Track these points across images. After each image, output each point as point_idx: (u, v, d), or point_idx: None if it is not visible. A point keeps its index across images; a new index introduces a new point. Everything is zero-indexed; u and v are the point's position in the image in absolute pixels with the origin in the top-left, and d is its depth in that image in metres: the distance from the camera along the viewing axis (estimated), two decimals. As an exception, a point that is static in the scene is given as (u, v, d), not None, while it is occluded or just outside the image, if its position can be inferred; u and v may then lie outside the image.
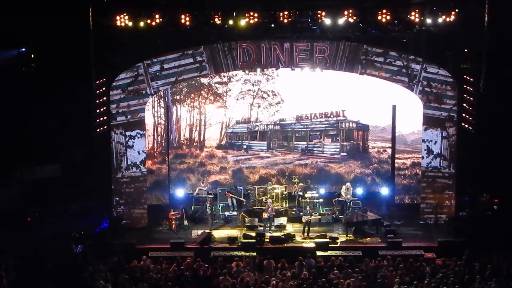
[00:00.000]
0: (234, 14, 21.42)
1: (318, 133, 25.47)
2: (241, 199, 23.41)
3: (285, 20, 21.59)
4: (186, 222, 22.47)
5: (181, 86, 25.06)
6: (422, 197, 22.78)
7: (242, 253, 19.87)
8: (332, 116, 25.07)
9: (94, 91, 22.13)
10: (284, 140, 25.60)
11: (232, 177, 25.35)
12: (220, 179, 25.27)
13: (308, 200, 22.82)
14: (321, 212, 22.82)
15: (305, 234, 21.26)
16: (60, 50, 21.50)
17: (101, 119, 22.45)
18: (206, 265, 18.10)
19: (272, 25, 21.90)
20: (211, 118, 25.44)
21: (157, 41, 22.10)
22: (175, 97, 25.25)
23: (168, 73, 22.58)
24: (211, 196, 23.07)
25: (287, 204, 23.29)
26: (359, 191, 23.86)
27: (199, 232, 21.29)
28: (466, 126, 22.17)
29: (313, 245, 20.43)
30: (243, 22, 21.49)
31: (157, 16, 21.35)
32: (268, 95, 25.15)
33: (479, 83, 21.56)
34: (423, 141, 22.66)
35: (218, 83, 25.16)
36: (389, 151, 24.53)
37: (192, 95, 25.31)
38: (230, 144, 25.69)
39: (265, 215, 21.54)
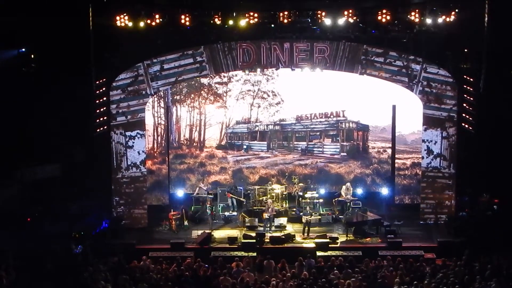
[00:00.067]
0: (234, 14, 21.42)
1: (318, 133, 25.47)
2: (241, 199, 23.42)
3: (285, 20, 21.58)
4: (186, 222, 22.48)
5: (181, 86, 25.06)
6: (422, 197, 22.78)
7: (242, 253, 19.86)
8: (332, 116, 25.07)
9: (94, 91, 22.14)
10: (284, 140, 25.60)
11: (232, 177, 25.35)
12: (220, 179, 25.27)
13: (308, 200, 22.82)
14: (321, 212, 22.82)
15: (305, 234, 21.26)
16: (60, 50, 21.48)
17: (101, 119, 22.46)
18: (206, 265, 18.10)
19: (272, 25, 21.91)
20: (211, 118, 25.44)
21: (157, 41, 22.11)
22: (175, 97, 25.25)
23: (168, 73, 22.59)
24: (211, 196, 23.08)
25: (287, 204, 23.28)
26: (359, 191, 23.89)
27: (199, 232, 21.29)
28: (466, 126, 22.17)
29: (313, 245, 20.42)
30: (243, 22, 21.48)
31: (157, 16, 21.35)
32: (268, 95, 25.15)
33: (479, 83, 21.56)
34: (423, 141, 22.66)
35: (218, 83, 25.16)
36: (389, 151, 24.53)
37: (192, 95, 25.31)
38: (230, 144, 25.69)
39: (265, 215, 21.54)
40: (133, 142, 22.70)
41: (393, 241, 20.42)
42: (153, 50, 22.37)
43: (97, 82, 22.19)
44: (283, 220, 22.13)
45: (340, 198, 23.13)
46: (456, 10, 20.95)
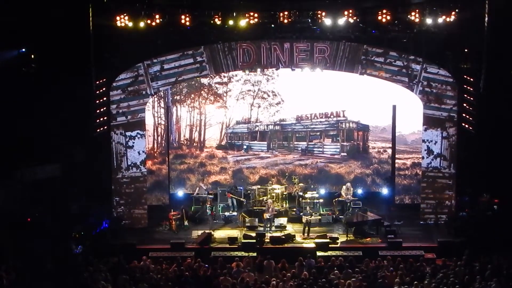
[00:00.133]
0: (234, 14, 21.42)
1: (318, 133, 25.48)
2: (241, 199, 23.41)
3: (285, 20, 21.58)
4: (186, 223, 22.47)
5: (181, 87, 25.07)
6: (422, 197, 22.78)
7: (242, 253, 19.85)
8: (332, 116, 25.07)
9: (94, 91, 22.14)
10: (284, 141, 25.61)
11: (232, 178, 25.36)
12: (220, 180, 25.28)
13: (308, 200, 22.81)
14: (321, 212, 22.82)
15: (305, 234, 21.25)
16: (60, 50, 21.44)
17: (101, 119, 22.47)
18: (206, 265, 18.11)
19: (272, 25, 21.91)
20: (211, 119, 25.45)
21: (157, 41, 22.11)
22: (175, 98, 25.26)
23: (168, 73, 22.59)
24: (211, 196, 23.09)
25: (287, 205, 23.29)
26: (359, 191, 23.87)
27: (199, 232, 21.29)
28: (466, 126, 22.18)
29: (313, 245, 20.42)
30: (243, 22, 21.49)
31: (157, 16, 21.34)
32: (268, 96, 25.15)
33: (479, 83, 21.55)
34: (423, 141, 22.66)
35: (218, 84, 25.16)
36: (389, 151, 24.54)
37: (192, 95, 25.32)
38: (230, 145, 25.69)
39: (266, 215, 21.53)
40: (133, 142, 22.70)
41: (393, 241, 20.41)
42: (153, 50, 22.37)
43: (97, 82, 22.20)
44: (283, 220, 22.12)
45: (340, 198, 23.12)
46: (456, 10, 20.95)
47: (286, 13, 21.46)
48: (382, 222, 21.53)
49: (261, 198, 23.03)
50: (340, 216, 22.73)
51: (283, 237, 20.92)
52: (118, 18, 21.26)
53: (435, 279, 16.64)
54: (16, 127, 21.72)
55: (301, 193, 23.22)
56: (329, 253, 19.80)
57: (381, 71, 22.38)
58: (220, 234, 21.53)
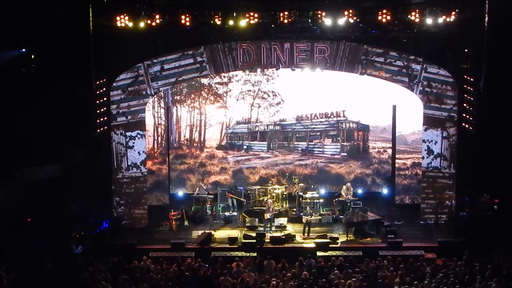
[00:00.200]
0: (234, 14, 21.41)
1: (318, 133, 25.48)
2: (242, 199, 23.41)
3: (285, 20, 21.58)
4: (186, 223, 22.48)
5: (181, 87, 25.07)
6: (423, 197, 22.77)
7: (243, 253, 19.83)
8: (332, 116, 25.08)
9: (94, 92, 22.13)
10: (285, 141, 25.61)
11: (232, 178, 25.36)
12: (220, 180, 25.28)
13: (309, 201, 22.80)
14: (322, 212, 22.82)
15: (306, 234, 21.25)
16: (60, 50, 21.43)
17: (101, 119, 22.47)
18: (207, 265, 18.11)
19: (272, 25, 21.91)
20: (211, 119, 25.45)
21: (157, 42, 22.11)
22: (175, 98, 25.26)
23: (168, 73, 22.59)
24: (212, 196, 23.06)
25: (288, 205, 23.28)
26: (360, 191, 23.85)
27: (200, 232, 21.27)
28: (466, 126, 22.18)
29: (313, 245, 20.41)
30: (243, 23, 21.48)
31: (157, 16, 21.34)
32: (269, 96, 25.15)
33: (479, 83, 21.54)
34: (424, 141, 22.66)
35: (218, 84, 25.17)
36: (390, 151, 24.55)
37: (192, 95, 25.33)
38: (230, 145, 25.69)
39: (267, 215, 21.53)
40: (134, 143, 22.70)
41: (394, 241, 20.40)
42: (153, 50, 22.37)
43: (97, 82, 22.19)
44: (283, 220, 22.13)
45: (340, 198, 23.13)
46: (456, 10, 20.95)
47: (286, 13, 21.46)
48: (382, 222, 21.53)
49: (261, 198, 23.03)
50: (340, 216, 22.73)
51: (283, 237, 20.92)
52: (118, 18, 21.26)
53: (435, 279, 16.64)
54: (16, 127, 21.72)
55: (301, 193, 23.21)
56: (329, 253, 19.79)
57: (381, 71, 22.38)
58: (220, 234, 21.53)
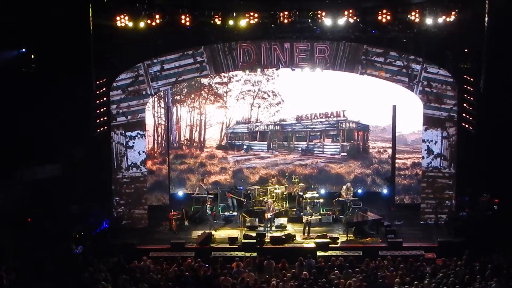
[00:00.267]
0: (234, 14, 21.42)
1: (318, 133, 25.48)
2: (242, 199, 23.41)
3: (285, 20, 21.58)
4: (186, 223, 22.49)
5: (181, 87, 25.08)
6: (423, 197, 22.77)
7: (243, 253, 19.83)
8: (332, 116, 25.08)
9: (94, 92, 22.14)
10: (285, 141, 25.61)
11: (232, 178, 25.37)
12: (220, 180, 25.29)
13: (309, 200, 22.80)
14: (322, 212, 22.82)
15: (306, 234, 21.25)
16: (60, 50, 21.44)
17: (101, 119, 22.47)
18: (207, 265, 18.10)
19: (272, 25, 21.91)
20: (211, 119, 25.46)
21: (157, 41, 22.12)
22: (175, 98, 25.26)
23: (168, 73, 22.59)
24: (212, 196, 23.05)
25: (288, 205, 23.28)
26: (360, 191, 23.85)
27: (200, 232, 21.27)
28: (466, 126, 22.18)
29: (313, 245, 20.41)
30: (243, 23, 21.48)
31: (157, 16, 21.34)
32: (268, 96, 25.16)
33: (479, 83, 21.55)
34: (423, 141, 22.66)
35: (218, 84, 25.17)
36: (390, 151, 24.56)
37: (192, 95, 25.33)
38: (230, 145, 25.70)
39: (267, 215, 21.53)
40: (134, 142, 22.69)
41: (394, 241, 20.41)
42: (153, 50, 22.37)
43: (97, 82, 22.20)
44: (283, 220, 22.13)
45: (340, 198, 23.13)
46: (456, 10, 20.96)
47: (286, 13, 21.46)
48: (382, 222, 21.53)
49: (261, 198, 23.03)
50: (340, 216, 22.73)
51: (283, 237, 20.92)
52: (118, 18, 21.26)
53: (435, 279, 16.63)
54: (16, 127, 21.73)
55: (301, 193, 23.22)
56: (329, 253, 19.79)
57: (381, 71, 22.38)
58: (220, 234, 21.53)
